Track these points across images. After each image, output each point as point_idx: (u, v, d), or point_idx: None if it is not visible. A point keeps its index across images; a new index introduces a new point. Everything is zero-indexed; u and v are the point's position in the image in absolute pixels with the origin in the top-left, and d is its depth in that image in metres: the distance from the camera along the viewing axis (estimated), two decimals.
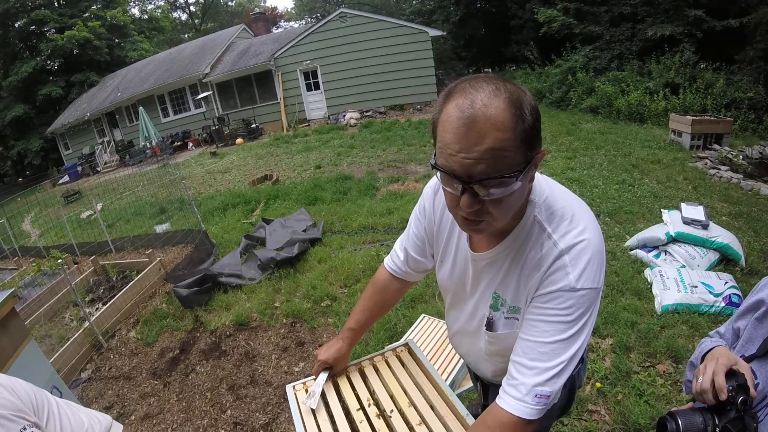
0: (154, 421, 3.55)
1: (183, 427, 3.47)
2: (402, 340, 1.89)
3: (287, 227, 6.48)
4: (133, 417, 3.64)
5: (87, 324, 4.57)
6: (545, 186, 1.20)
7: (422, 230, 1.53)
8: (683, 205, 5.02)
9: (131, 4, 38.92)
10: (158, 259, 5.90)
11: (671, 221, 4.90)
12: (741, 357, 1.12)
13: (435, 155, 1.04)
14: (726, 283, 4.02)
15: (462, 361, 2.80)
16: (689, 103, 11.54)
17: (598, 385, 3.20)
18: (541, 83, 17.43)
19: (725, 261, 4.61)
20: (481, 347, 1.49)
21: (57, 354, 4.16)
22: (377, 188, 8.57)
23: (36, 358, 2.84)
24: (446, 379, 2.65)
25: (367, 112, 19.28)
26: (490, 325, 1.37)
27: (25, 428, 1.01)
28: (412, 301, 4.42)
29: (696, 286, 4.01)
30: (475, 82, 0.99)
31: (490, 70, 29.72)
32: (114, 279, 5.92)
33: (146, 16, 39.75)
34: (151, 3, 43.20)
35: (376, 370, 1.76)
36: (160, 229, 8.14)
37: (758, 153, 8.54)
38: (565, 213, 1.15)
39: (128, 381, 4.08)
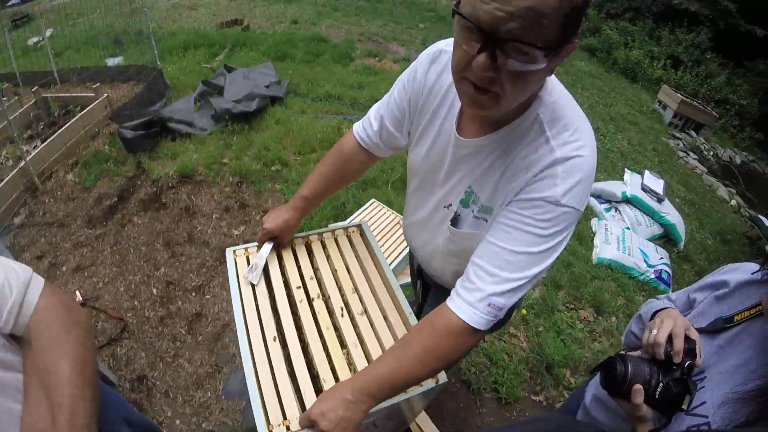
0: (86, 274, 3.41)
1: (114, 281, 3.36)
2: (349, 221, 1.76)
3: (249, 79, 6.02)
4: (64, 268, 3.48)
5: (23, 163, 4.25)
6: (558, 88, 1.10)
7: (406, 101, 1.36)
8: (647, 172, 5.28)
9: None
10: (105, 95, 5.44)
11: (631, 183, 5.08)
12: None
13: (459, 2, 0.89)
14: (661, 258, 4.26)
15: (404, 253, 2.74)
16: (684, 82, 11.65)
17: (523, 311, 3.34)
18: None
19: (666, 239, 4.88)
20: (438, 243, 1.41)
21: None
22: (352, 58, 8.09)
23: None
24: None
25: None
26: (455, 221, 1.28)
27: None
28: (364, 183, 4.33)
29: (634, 251, 4.23)
30: None
31: None
32: (56, 114, 5.52)
33: None
34: None
35: (324, 246, 1.68)
36: (111, 62, 7.56)
37: (728, 157, 9.17)
38: (570, 123, 1.06)
39: (62, 228, 3.85)
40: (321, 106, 5.93)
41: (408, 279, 2.25)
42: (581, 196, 1.04)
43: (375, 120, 1.48)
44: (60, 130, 4.77)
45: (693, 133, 9.30)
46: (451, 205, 1.29)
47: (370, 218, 3.07)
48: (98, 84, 5.74)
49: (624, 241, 4.30)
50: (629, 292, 3.86)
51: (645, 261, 4.15)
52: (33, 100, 5.54)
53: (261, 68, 6.52)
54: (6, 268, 1.05)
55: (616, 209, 4.95)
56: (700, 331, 1.12)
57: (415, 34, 10.31)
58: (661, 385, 1.03)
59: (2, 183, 4.03)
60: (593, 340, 3.33)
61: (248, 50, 7.87)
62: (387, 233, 2.94)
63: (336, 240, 1.70)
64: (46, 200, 4.21)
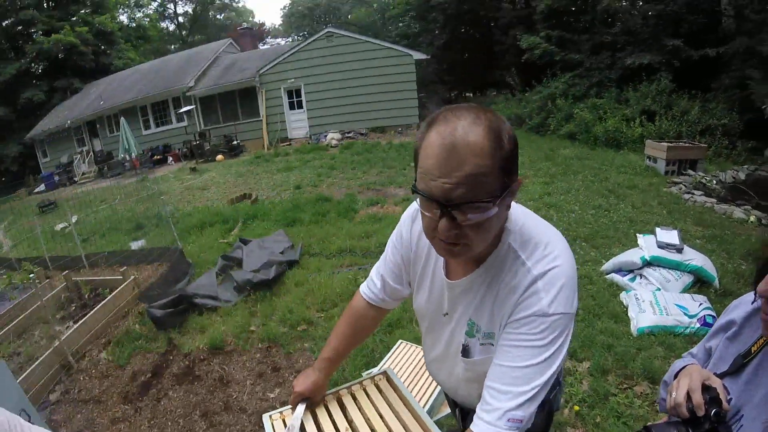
0: None
1: None
2: (379, 367, 1.89)
3: (265, 248, 6.41)
4: None
5: (57, 343, 4.46)
6: (520, 215, 1.24)
7: (399, 257, 1.54)
8: (658, 230, 5.12)
9: (120, 10, 38.71)
10: (132, 277, 5.80)
11: (646, 245, 4.99)
12: (714, 374, 1.14)
13: (416, 180, 1.07)
14: (700, 304, 4.10)
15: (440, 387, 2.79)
16: (665, 129, 11.91)
17: (576, 408, 3.22)
18: (521, 109, 17.81)
19: (700, 283, 4.70)
20: (458, 374, 1.49)
21: (25, 374, 4.02)
22: (356, 210, 8.54)
23: (4, 378, 2.78)
24: (424, 406, 2.63)
25: (348, 133, 19.34)
26: (465, 352, 1.38)
27: None
28: (389, 326, 4.41)
29: (671, 309, 4.07)
30: (457, 111, 1.04)
31: (471, 94, 30.14)
32: (86, 296, 5.80)
33: (134, 24, 39.58)
34: (140, 11, 43.05)
35: (354, 398, 1.73)
36: (135, 245, 8.02)
37: (731, 177, 8.97)
38: (540, 240, 1.19)
39: (98, 405, 3.96)
40: (335, 261, 6.21)
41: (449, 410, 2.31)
42: (567, 299, 1.14)
43: (377, 279, 1.65)
44: (91, 312, 5.04)
45: (691, 171, 9.27)
46: (459, 338, 1.40)
47: (401, 359, 3.12)
48: (125, 267, 6.11)
49: (658, 303, 4.18)
50: (679, 351, 3.69)
51: (685, 314, 4.02)
52: (64, 284, 5.84)
53: (274, 236, 6.96)
54: None
55: (641, 275, 4.85)
56: (724, 375, 1.14)
57: (409, 173, 10.83)
58: None
59: (38, 361, 4.21)
60: (656, 412, 3.17)
61: (260, 221, 8.41)
62: (421, 368, 2.95)
63: (365, 390, 1.77)
64: (81, 378, 4.37)
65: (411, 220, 1.48)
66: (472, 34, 27.06)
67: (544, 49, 16.84)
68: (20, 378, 3.85)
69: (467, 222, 1.03)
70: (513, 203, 1.21)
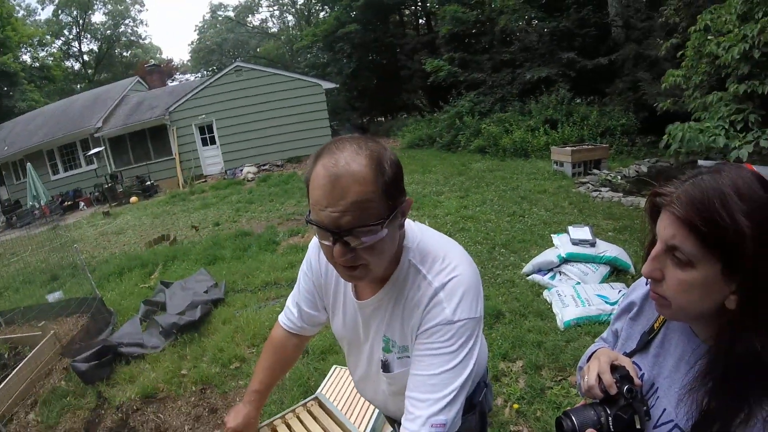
0: None
1: None
2: (314, 395, 1.99)
3: (188, 289, 6.27)
4: None
5: None
6: (417, 232, 1.33)
7: (311, 284, 1.59)
8: (570, 228, 5.47)
9: (23, 50, 36.93)
10: (52, 331, 5.54)
11: (561, 244, 5.30)
12: (624, 353, 1.22)
13: (309, 212, 1.15)
14: (620, 291, 4.42)
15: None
16: (567, 135, 12.85)
17: (516, 406, 3.35)
18: (431, 129, 18.43)
19: (616, 272, 5.04)
20: (383, 389, 1.56)
21: None
22: (278, 242, 8.53)
23: None
24: (365, 428, 2.73)
25: (264, 165, 19.32)
26: (386, 367, 1.45)
27: None
28: (322, 353, 4.44)
29: (592, 299, 4.33)
30: (340, 143, 1.12)
31: (383, 118, 30.73)
32: (6, 356, 5.59)
33: (38, 64, 37.72)
34: (43, 50, 41.03)
35: (289, 428, 1.78)
36: (52, 298, 7.68)
37: (635, 171, 9.75)
38: (438, 254, 1.27)
39: None
40: (261, 295, 6.18)
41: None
42: (470, 305, 1.21)
43: (293, 307, 1.69)
44: (13, 372, 4.82)
45: (596, 170, 9.85)
46: (377, 355, 1.47)
47: (337, 383, 3.18)
48: (43, 322, 5.86)
49: (579, 296, 4.39)
50: (596, 342, 3.89)
51: (606, 302, 4.25)
52: None
53: (196, 276, 6.83)
54: None
55: (560, 272, 5.11)
56: (633, 353, 1.21)
57: None
58: (610, 418, 1.08)
59: None
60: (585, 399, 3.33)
61: (180, 262, 8.22)
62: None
63: (298, 417, 1.80)
64: None
65: (317, 248, 1.52)
66: (379, 61, 27.83)
67: (448, 71, 17.69)
68: None
69: (361, 245, 1.10)
70: (410, 222, 1.32)
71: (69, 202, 20.17)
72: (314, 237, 1.50)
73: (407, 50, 25.05)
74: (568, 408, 1.17)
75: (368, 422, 2.77)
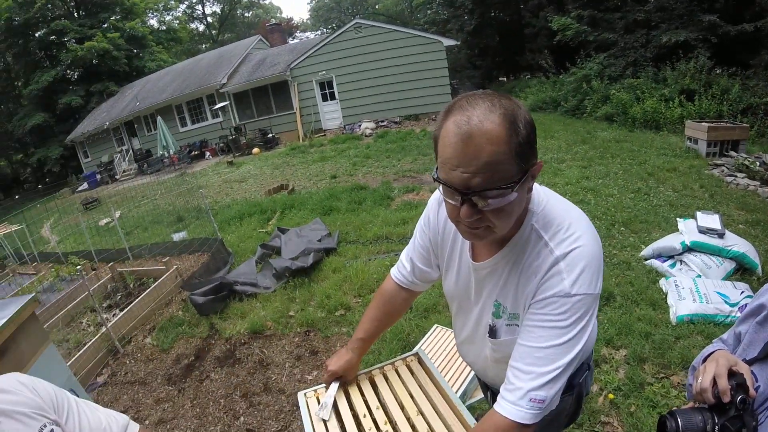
0: (168, 426, 3.60)
1: None
2: (413, 351, 1.91)
3: (302, 237, 6.53)
4: (147, 422, 3.70)
5: (104, 329, 4.65)
6: (543, 196, 1.25)
7: (427, 241, 1.56)
8: (699, 214, 4.97)
9: (149, 15, 39.45)
10: (175, 267, 5.97)
11: (687, 230, 4.84)
12: (742, 360, 1.12)
13: (437, 169, 1.09)
14: (742, 292, 3.95)
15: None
16: (705, 109, 11.45)
17: (611, 396, 3.17)
18: (555, 92, 17.45)
19: (742, 270, 4.53)
20: (486, 355, 1.51)
21: (74, 358, 4.24)
22: (392, 198, 8.59)
23: (54, 361, 2.90)
24: (457, 390, 2.68)
25: (382, 122, 19.40)
26: (492, 333, 1.39)
27: (45, 425, 1.07)
28: (425, 311, 4.43)
29: (711, 296, 3.94)
30: (472, 99, 1.04)
31: (505, 79, 29.79)
32: (131, 286, 6.00)
33: (164, 27, 40.38)
34: (169, 14, 43.96)
35: (386, 379, 1.77)
36: (177, 237, 8.23)
37: None
38: (562, 222, 1.19)
39: (143, 386, 4.14)
40: (372, 248, 6.27)
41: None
42: (591, 280, 1.14)
43: (407, 262, 1.68)
44: (136, 300, 5.22)
45: (733, 152, 8.86)
46: (486, 320, 1.42)
47: (435, 343, 3.17)
48: (167, 258, 6.32)
49: (698, 291, 4.04)
50: (715, 342, 3.54)
51: (726, 302, 3.88)
52: (109, 275, 6.04)
53: (311, 225, 7.09)
54: (107, 415, 1.26)
55: (681, 261, 4.72)
56: (753, 361, 1.12)
57: None
58: (717, 428, 1.03)
59: (86, 347, 4.41)
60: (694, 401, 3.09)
61: (297, 210, 8.55)
62: (454, 353, 2.99)
63: (397, 371, 1.80)
64: (127, 361, 4.59)
65: (437, 204, 1.50)
66: (501, 18, 26.73)
67: (575, 29, 16.48)
68: (69, 362, 4.04)
69: (487, 207, 1.05)
70: (536, 185, 1.22)
71: (196, 152, 21.62)
72: (435, 192, 1.48)
73: (532, 6, 23.75)
74: (675, 408, 1.12)
75: (461, 384, 2.74)
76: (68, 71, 30.97)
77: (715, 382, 1.05)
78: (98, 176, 23.20)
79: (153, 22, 40.21)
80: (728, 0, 13.43)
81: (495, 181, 1.01)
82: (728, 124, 9.34)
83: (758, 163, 7.90)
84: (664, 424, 1.08)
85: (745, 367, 1.07)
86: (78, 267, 5.03)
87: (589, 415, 3.01)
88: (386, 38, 19.31)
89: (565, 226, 1.19)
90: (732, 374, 1.05)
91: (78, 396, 1.30)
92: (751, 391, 1.02)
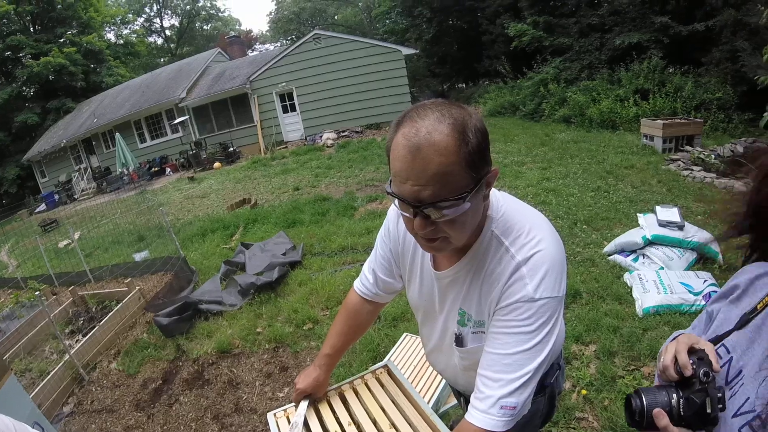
0: None
1: None
2: (383, 362, 1.90)
3: (267, 251, 6.46)
4: None
5: (67, 357, 4.49)
6: (502, 202, 1.24)
7: (388, 251, 1.55)
8: (658, 208, 5.09)
9: (107, 29, 38.71)
10: (137, 288, 5.85)
11: (647, 224, 4.95)
12: (716, 335, 1.14)
13: (390, 182, 1.09)
14: (705, 281, 4.07)
15: None
16: (659, 107, 11.85)
17: (584, 392, 3.21)
18: (514, 96, 17.80)
19: (703, 260, 4.68)
20: (455, 363, 1.51)
21: (38, 388, 4.07)
22: (356, 208, 8.57)
23: (16, 394, 2.80)
24: (430, 398, 2.68)
25: (343, 132, 19.39)
26: (459, 341, 1.39)
27: None
28: (394, 320, 4.42)
29: (675, 287, 4.04)
30: (422, 110, 1.04)
31: (464, 85, 30.13)
32: (93, 309, 5.86)
33: (122, 41, 39.46)
34: (126, 28, 43.10)
35: (356, 393, 1.75)
36: (138, 257, 8.08)
37: (729, 151, 8.78)
38: (522, 226, 1.19)
39: (111, 414, 4.00)
40: (337, 259, 6.24)
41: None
42: (554, 283, 1.13)
43: (369, 274, 1.66)
44: (99, 324, 5.09)
45: (688, 147, 9.16)
46: (452, 328, 1.41)
47: (406, 351, 3.15)
48: (129, 278, 6.18)
49: (662, 282, 4.13)
50: (687, 329, 3.62)
51: (690, 292, 3.98)
52: (70, 299, 5.91)
53: (275, 239, 7.03)
54: None
55: (644, 255, 4.81)
56: (729, 332, 1.12)
57: None
58: (681, 401, 1.04)
59: (50, 375, 4.27)
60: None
61: (260, 224, 8.45)
62: (426, 361, 2.98)
63: (367, 384, 1.78)
64: (93, 389, 4.43)
65: (397, 215, 1.46)
66: (459, 26, 27.09)
67: (532, 35, 16.87)
68: (33, 393, 3.89)
69: (441, 219, 1.05)
70: (495, 191, 1.22)
71: (156, 168, 21.27)
72: (393, 203, 1.46)
73: (489, 14, 24.08)
74: (639, 387, 1.11)
75: (434, 392, 2.74)
76: (24, 88, 30.14)
77: (676, 358, 1.06)
78: (56, 196, 22.50)
79: (110, 36, 39.25)
80: (679, 1, 13.92)
81: (446, 192, 1.00)
82: (683, 121, 9.68)
83: (713, 156, 8.21)
84: (630, 404, 1.09)
85: (707, 344, 1.09)
86: (37, 292, 4.91)
87: (564, 413, 3.04)
88: (346, 48, 19.41)
89: (526, 230, 1.18)
90: (693, 351, 1.06)
91: (43, 429, 1.27)
92: (715, 365, 1.03)
